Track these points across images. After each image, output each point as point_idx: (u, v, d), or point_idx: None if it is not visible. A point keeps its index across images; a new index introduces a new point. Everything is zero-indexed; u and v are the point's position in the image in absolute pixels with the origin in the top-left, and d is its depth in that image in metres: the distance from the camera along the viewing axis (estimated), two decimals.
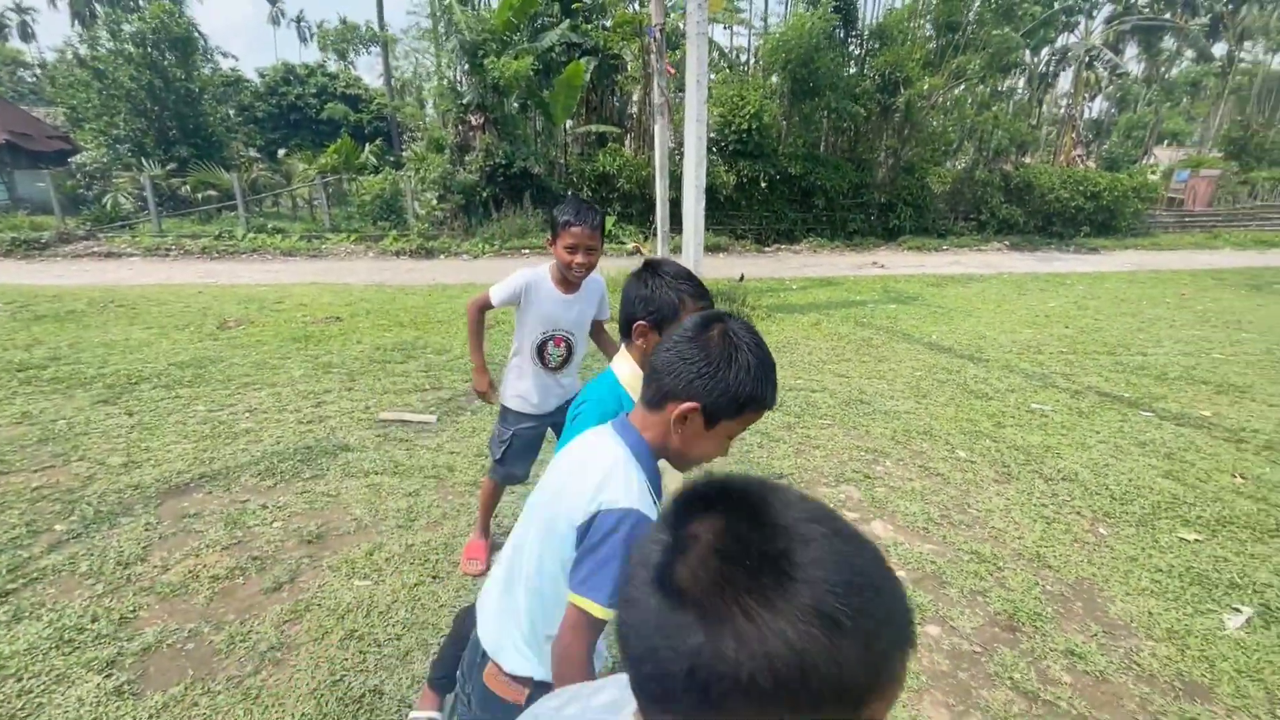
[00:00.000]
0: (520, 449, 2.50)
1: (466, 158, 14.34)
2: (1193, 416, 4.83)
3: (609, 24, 15.99)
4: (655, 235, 8.95)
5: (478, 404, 4.59)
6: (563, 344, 2.35)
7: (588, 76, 14.81)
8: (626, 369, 1.40)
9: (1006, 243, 16.49)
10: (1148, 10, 21.56)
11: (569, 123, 16.28)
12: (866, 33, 16.39)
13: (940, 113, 16.69)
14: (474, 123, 14.26)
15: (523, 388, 2.42)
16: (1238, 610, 2.56)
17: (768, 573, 0.41)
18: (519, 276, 2.27)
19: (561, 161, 15.46)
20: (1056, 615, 2.54)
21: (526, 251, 13.02)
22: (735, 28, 17.89)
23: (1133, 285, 11.16)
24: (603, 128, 15.74)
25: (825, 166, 15.68)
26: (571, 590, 0.95)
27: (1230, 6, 32.64)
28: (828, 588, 0.41)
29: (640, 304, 1.37)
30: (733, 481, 0.48)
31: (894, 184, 16.54)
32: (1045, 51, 20.24)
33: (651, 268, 1.41)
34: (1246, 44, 35.14)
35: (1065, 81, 26.79)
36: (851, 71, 16.04)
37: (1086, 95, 30.24)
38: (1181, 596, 2.64)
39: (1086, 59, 21.53)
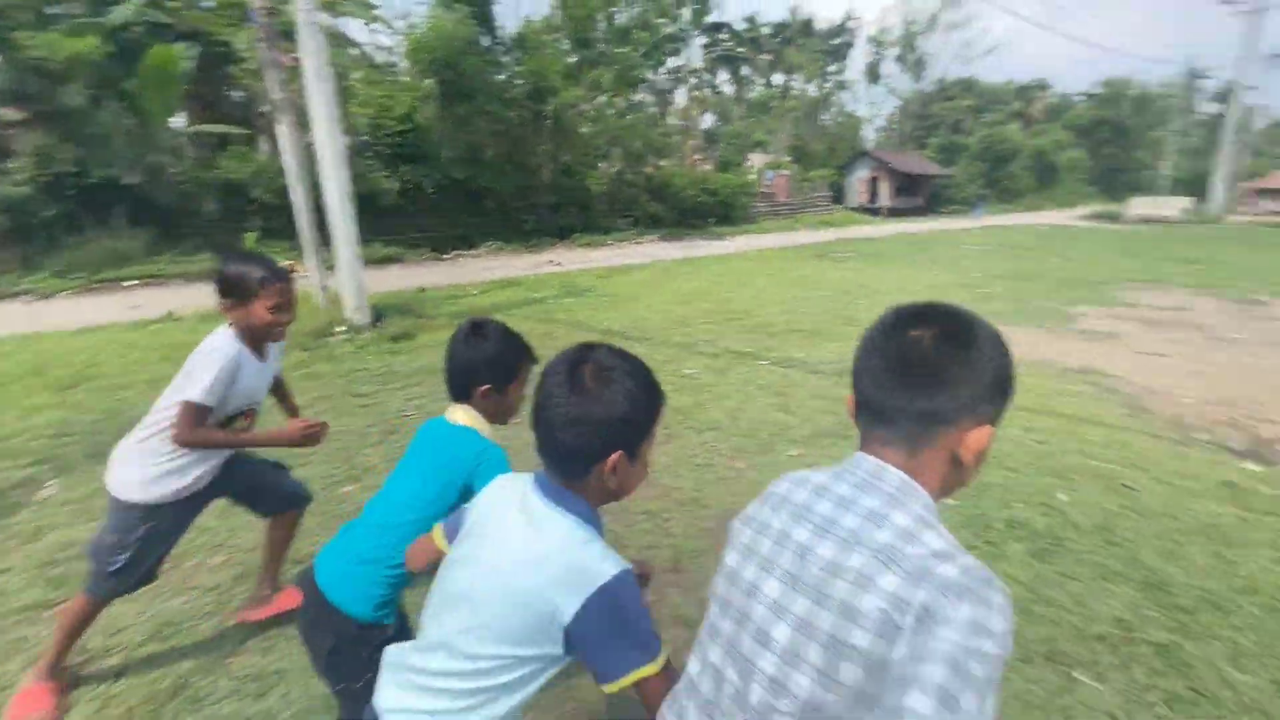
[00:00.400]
0: (159, 540, 1.98)
1: (7, 164, 10.55)
2: (792, 359, 6.19)
3: (212, 3, 13.42)
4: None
5: (41, 495, 3.36)
6: (251, 415, 2.02)
7: (190, 65, 12.20)
8: (482, 424, 1.45)
9: (658, 235, 19.04)
10: (730, 44, 27.19)
11: (177, 122, 13.25)
12: (510, 41, 17.02)
13: (588, 121, 18.34)
14: (10, 118, 10.56)
15: (181, 481, 1.95)
16: None
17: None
18: (220, 357, 1.84)
19: (173, 169, 12.49)
20: (709, 548, 2.94)
21: (133, 283, 10.20)
22: (379, 26, 16.80)
23: (748, 262, 13.95)
24: (223, 128, 13.21)
25: (490, 170, 15.86)
26: (627, 673, 0.89)
27: (780, 46, 43.23)
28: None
29: (483, 368, 1.42)
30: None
31: (558, 186, 17.62)
32: (662, 71, 23.88)
33: (478, 329, 1.45)
34: (795, 76, 47.08)
35: (682, 97, 32.11)
36: (501, 77, 16.48)
37: (701, 110, 36.82)
38: None
39: (694, 79, 26.04)
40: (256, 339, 1.94)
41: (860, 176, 34.18)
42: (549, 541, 0.94)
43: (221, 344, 1.86)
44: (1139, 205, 27.90)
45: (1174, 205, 26.92)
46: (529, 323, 7.69)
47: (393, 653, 1.03)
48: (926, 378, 0.78)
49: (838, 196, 34.58)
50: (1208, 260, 14.25)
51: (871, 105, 45.98)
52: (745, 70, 36.41)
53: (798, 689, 0.71)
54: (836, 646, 0.69)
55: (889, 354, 0.81)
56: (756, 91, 41.72)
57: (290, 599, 2.32)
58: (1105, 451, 4.02)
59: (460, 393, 1.45)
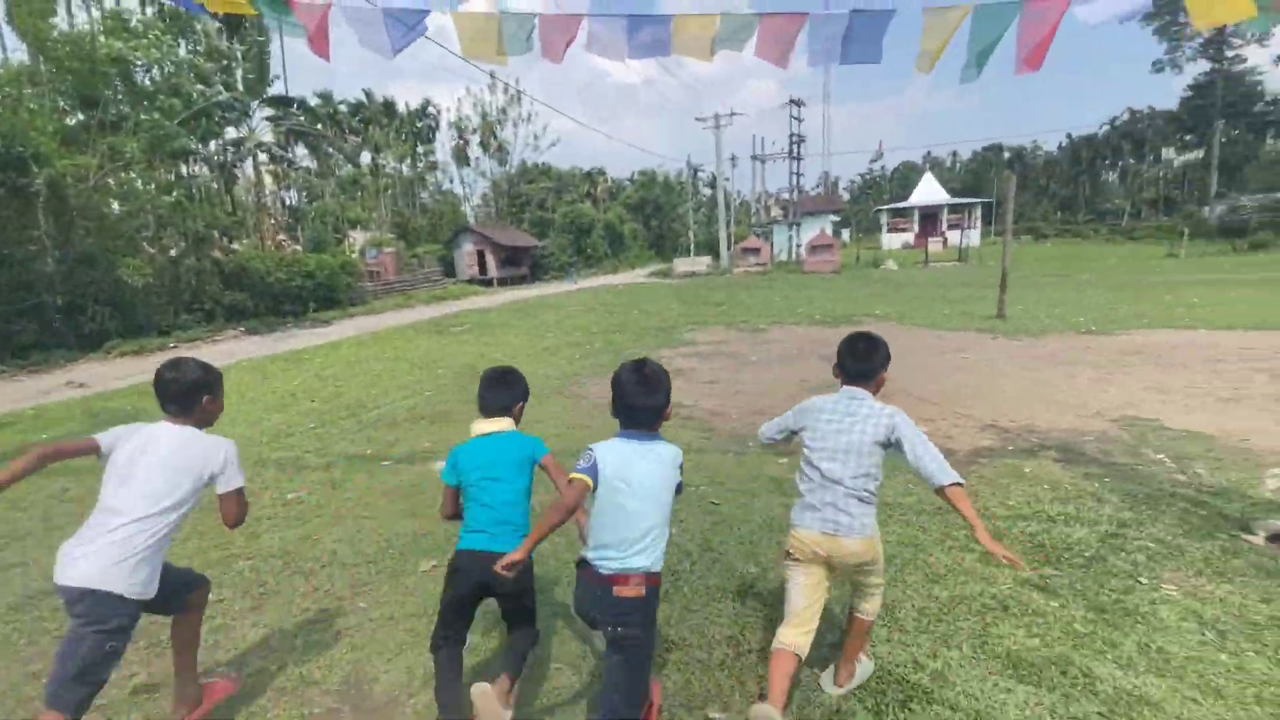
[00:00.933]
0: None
1: None
2: (421, 452, 5.73)
3: None
4: None
5: None
6: None
7: None
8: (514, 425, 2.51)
9: (241, 329, 16.05)
10: (303, 119, 25.29)
11: None
12: None
13: (113, 197, 14.41)
14: None
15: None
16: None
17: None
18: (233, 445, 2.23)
19: None
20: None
21: None
22: None
23: (361, 348, 12.81)
24: None
25: None
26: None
27: (361, 125, 42.32)
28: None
29: (520, 395, 2.57)
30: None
31: (73, 280, 13.27)
32: (217, 143, 20.62)
33: (507, 374, 2.60)
34: (384, 155, 46.64)
35: (251, 172, 28.28)
36: None
37: (279, 185, 33.05)
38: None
39: (262, 153, 23.23)
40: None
41: (467, 250, 35.62)
42: (667, 452, 2.04)
43: (216, 437, 2.17)
44: (681, 264, 36.21)
45: (702, 263, 35.84)
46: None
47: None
48: (876, 354, 2.40)
49: (449, 270, 35.25)
50: (728, 302, 19.20)
51: (465, 185, 48.94)
52: (328, 148, 34.52)
53: (863, 471, 2.17)
54: (869, 444, 2.18)
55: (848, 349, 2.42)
56: (348, 169, 39.90)
57: (221, 690, 2.40)
58: (695, 475, 4.77)
59: (504, 410, 2.44)
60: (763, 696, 2.11)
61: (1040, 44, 3.29)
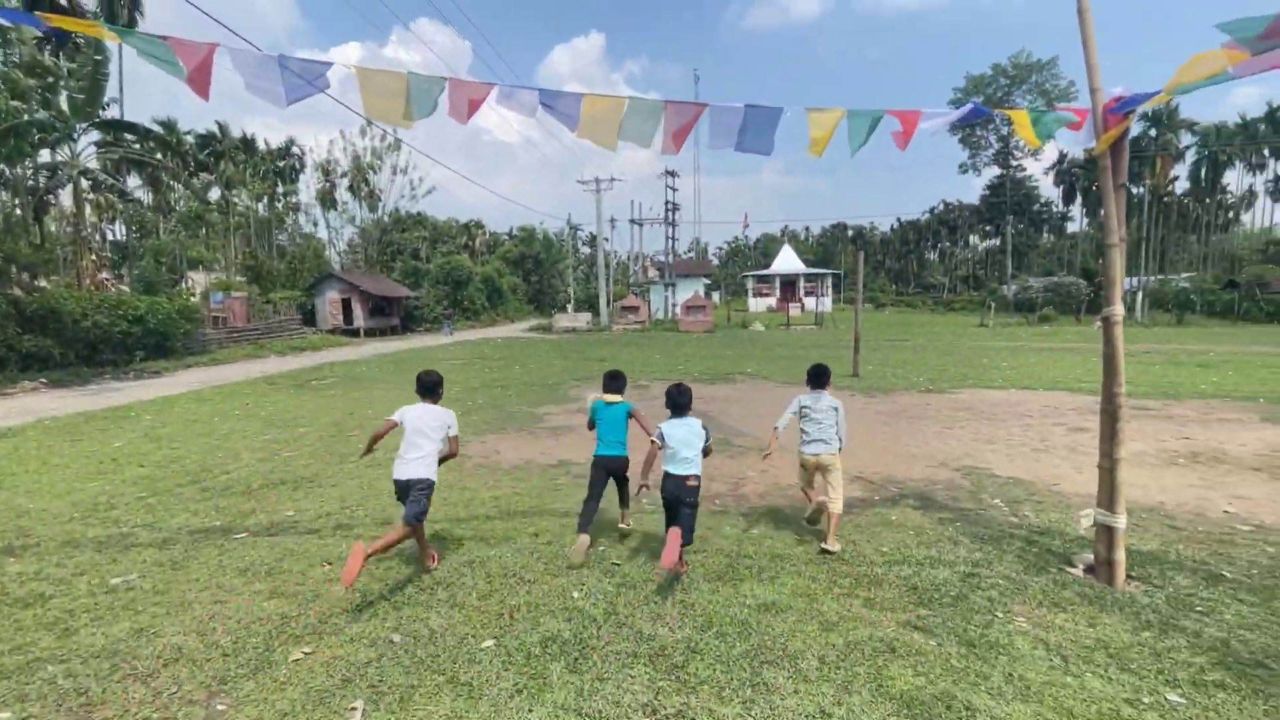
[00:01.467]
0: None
1: None
2: (281, 522, 5.11)
3: None
4: None
5: None
6: None
7: None
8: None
9: (43, 380, 13.60)
10: (140, 147, 22.62)
11: None
12: None
13: None
14: None
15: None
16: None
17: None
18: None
19: None
20: None
21: None
22: None
23: (202, 403, 11.33)
24: None
25: None
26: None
27: (211, 159, 38.77)
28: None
29: (623, 382, 4.91)
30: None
31: None
32: (25, 166, 17.82)
33: (617, 376, 4.92)
34: (235, 191, 42.80)
35: (69, 199, 24.62)
36: None
37: (103, 218, 28.98)
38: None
39: (86, 180, 20.42)
40: None
41: (331, 298, 33.29)
42: (695, 422, 4.15)
43: (446, 408, 4.41)
44: (562, 319, 36.39)
45: (582, 319, 36.28)
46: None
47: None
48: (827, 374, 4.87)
49: (309, 319, 32.64)
50: (610, 358, 19.49)
51: (332, 229, 46.03)
52: (170, 180, 30.99)
53: (830, 425, 4.58)
54: (833, 415, 4.60)
55: (811, 372, 4.93)
56: (193, 205, 36.05)
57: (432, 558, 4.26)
58: (605, 540, 4.69)
59: (619, 391, 4.74)
60: None
61: (903, 134, 3.93)
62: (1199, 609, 3.50)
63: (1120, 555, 3.87)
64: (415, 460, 4.00)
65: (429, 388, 4.37)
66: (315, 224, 44.94)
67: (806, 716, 2.53)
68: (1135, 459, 7.37)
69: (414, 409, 4.20)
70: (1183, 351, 20.59)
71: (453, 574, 3.98)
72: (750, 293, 58.95)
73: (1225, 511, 5.36)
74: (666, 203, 37.69)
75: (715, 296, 65.24)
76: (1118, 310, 3.92)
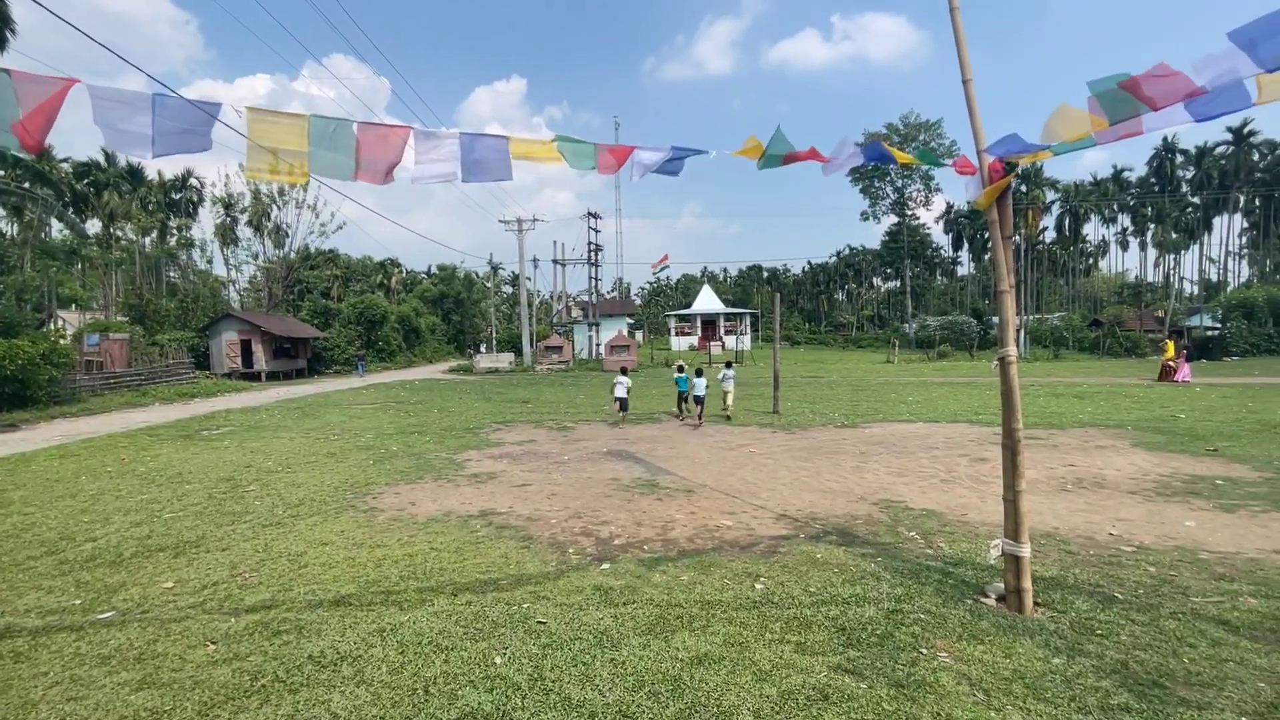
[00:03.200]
0: None
1: None
2: (156, 596, 4.52)
3: None
4: None
5: None
6: None
7: None
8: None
9: None
10: (2, 174, 20.34)
11: None
12: None
13: None
14: None
15: None
16: None
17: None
18: None
19: None
20: None
21: None
22: None
23: (66, 460, 10.05)
24: None
25: None
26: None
27: (91, 189, 35.61)
28: None
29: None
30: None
31: None
32: None
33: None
34: (119, 225, 39.39)
35: None
36: None
37: None
38: None
39: None
40: None
41: (229, 339, 30.93)
42: (711, 373, 15.84)
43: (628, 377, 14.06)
44: (484, 360, 35.49)
45: (505, 359, 35.54)
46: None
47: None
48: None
49: (203, 362, 30.16)
50: (534, 400, 19.11)
51: (232, 267, 43.01)
52: (38, 211, 28.03)
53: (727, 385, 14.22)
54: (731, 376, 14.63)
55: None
56: (64, 236, 32.75)
57: None
58: (519, 593, 4.44)
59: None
60: None
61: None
62: (1099, 632, 3.72)
63: (1027, 583, 4.07)
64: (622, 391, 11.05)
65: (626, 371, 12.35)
66: (211, 261, 41.84)
67: None
68: (1030, 486, 7.88)
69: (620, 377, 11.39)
70: (1060, 384, 22.68)
71: (360, 645, 3.62)
72: (673, 331, 60.09)
73: (1110, 534, 5.81)
74: (589, 244, 38.12)
75: (639, 335, 66.06)
76: (1012, 351, 4.22)
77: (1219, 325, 38.55)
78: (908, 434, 12.00)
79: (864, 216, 71.94)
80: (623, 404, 14.06)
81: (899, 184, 65.79)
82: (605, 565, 5.04)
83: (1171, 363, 21.88)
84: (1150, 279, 70.35)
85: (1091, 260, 73.41)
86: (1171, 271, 65.07)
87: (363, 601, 4.31)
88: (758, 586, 4.56)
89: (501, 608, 4.16)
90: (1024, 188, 51.68)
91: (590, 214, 37.54)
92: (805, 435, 12.02)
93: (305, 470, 8.97)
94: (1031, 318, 49.45)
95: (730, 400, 14.50)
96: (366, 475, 8.58)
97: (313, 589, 4.54)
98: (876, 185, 66.43)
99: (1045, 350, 42.78)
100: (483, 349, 43.53)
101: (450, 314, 57.96)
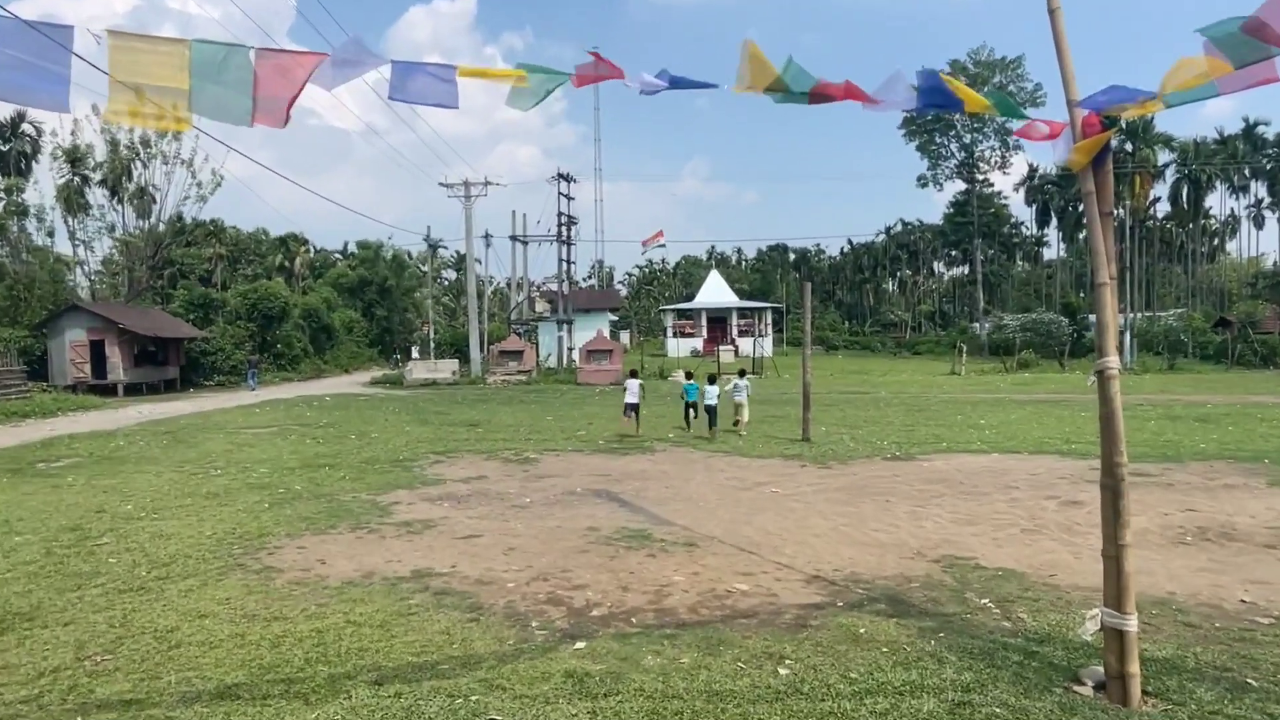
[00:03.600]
0: None
1: None
2: None
3: None
4: None
5: None
6: None
7: None
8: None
9: None
10: None
11: None
12: None
13: None
14: None
15: None
16: None
17: None
18: None
19: None
20: None
21: None
22: None
23: None
24: None
25: None
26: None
27: None
28: None
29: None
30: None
31: None
32: None
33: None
34: None
35: None
36: None
37: None
38: None
39: None
40: None
41: (75, 340, 30.67)
42: (715, 388, 17.16)
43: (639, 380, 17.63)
44: (418, 369, 35.46)
45: (446, 368, 35.54)
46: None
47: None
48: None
49: (39, 371, 29.86)
50: (485, 423, 19.11)
51: (80, 242, 42.36)
52: None
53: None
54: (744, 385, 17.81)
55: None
56: None
57: None
58: (465, 681, 4.43)
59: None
60: None
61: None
62: None
63: (1134, 667, 4.13)
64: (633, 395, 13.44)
65: (633, 372, 14.79)
66: (52, 234, 41.26)
67: None
68: (1139, 538, 7.97)
69: (632, 380, 13.78)
70: (1178, 403, 23.03)
71: None
72: (670, 332, 60.37)
73: (1242, 601, 5.90)
74: (560, 215, 38.13)
75: (624, 337, 66.29)
76: (1113, 361, 4.30)
77: None
78: (979, 469, 12.14)
79: (921, 181, 72.83)
80: (634, 410, 16.28)
81: (967, 140, 66.63)
82: (580, 644, 5.04)
83: None
84: None
85: (1216, 241, 74.76)
86: None
87: (256, 694, 4.29)
88: (781, 672, 4.59)
89: (442, 700, 4.16)
90: (1128, 146, 52.53)
91: (561, 176, 37.68)
92: (844, 471, 12.11)
93: (177, 517, 8.91)
94: (1140, 316, 50.22)
95: (745, 415, 16.91)
96: (260, 524, 8.54)
97: (188, 677, 4.51)
98: (938, 142, 67.22)
99: (1158, 359, 43.40)
100: (416, 354, 43.42)
101: (373, 307, 57.85)
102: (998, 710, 4.03)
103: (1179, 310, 58.28)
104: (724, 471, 12.13)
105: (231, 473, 11.91)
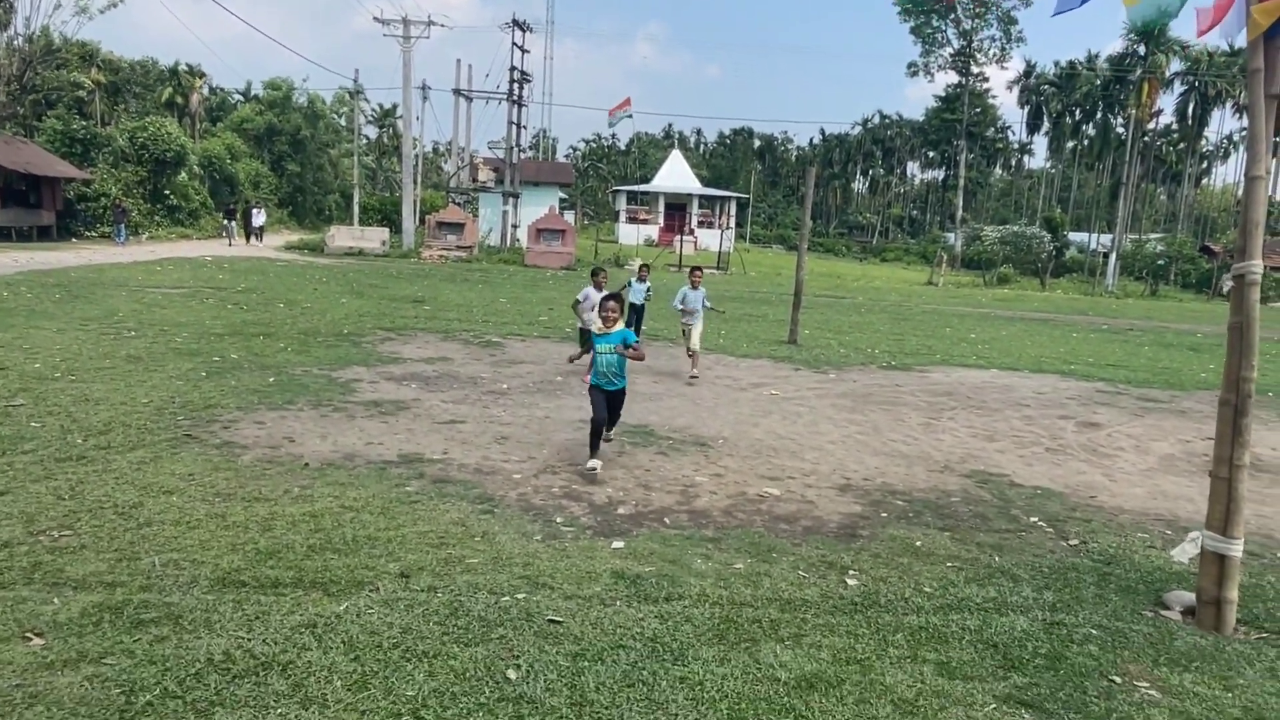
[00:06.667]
0: None
1: None
2: None
3: None
4: None
5: None
6: None
7: None
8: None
9: None
10: None
11: None
12: None
13: None
14: None
15: None
16: None
17: None
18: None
19: None
20: None
21: None
22: None
23: None
24: None
25: None
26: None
27: None
28: None
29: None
30: None
31: None
32: None
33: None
34: None
35: None
36: None
37: None
38: None
39: None
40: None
41: None
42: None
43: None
44: (342, 236, 34.00)
45: (374, 237, 34.16)
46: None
47: None
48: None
49: None
50: (431, 300, 18.53)
51: None
52: None
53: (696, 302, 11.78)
54: (700, 299, 11.86)
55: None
56: None
57: None
58: (503, 578, 4.27)
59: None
60: None
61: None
62: None
63: (1233, 593, 4.24)
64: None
65: (597, 270, 11.07)
66: None
67: None
68: (1165, 464, 8.36)
69: (590, 290, 10.86)
70: (1168, 330, 23.97)
71: (283, 647, 3.38)
72: (622, 217, 59.35)
73: None
74: (512, 70, 36.15)
75: (569, 218, 64.91)
76: (1256, 265, 4.21)
77: None
78: (982, 384, 12.39)
79: (911, 69, 71.90)
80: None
81: (967, 26, 65.57)
82: (617, 543, 4.94)
83: None
84: None
85: (1206, 164, 76.61)
86: None
87: (263, 581, 4.04)
88: (850, 582, 4.58)
89: (484, 597, 4.00)
90: (1140, 48, 52.59)
91: (516, 23, 35.59)
92: (843, 377, 12.20)
93: (100, 380, 8.36)
94: (1129, 240, 51.61)
95: (696, 338, 11.52)
96: (203, 394, 8.09)
97: (173, 559, 4.22)
98: (935, 25, 65.99)
99: (1139, 284, 44.95)
100: (356, 221, 41.52)
101: (284, 161, 54.88)
102: (1094, 632, 4.10)
103: (1160, 235, 60.13)
104: (712, 369, 12.07)
105: (150, 335, 11.23)
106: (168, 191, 37.80)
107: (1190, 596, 4.46)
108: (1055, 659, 3.77)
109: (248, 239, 35.63)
